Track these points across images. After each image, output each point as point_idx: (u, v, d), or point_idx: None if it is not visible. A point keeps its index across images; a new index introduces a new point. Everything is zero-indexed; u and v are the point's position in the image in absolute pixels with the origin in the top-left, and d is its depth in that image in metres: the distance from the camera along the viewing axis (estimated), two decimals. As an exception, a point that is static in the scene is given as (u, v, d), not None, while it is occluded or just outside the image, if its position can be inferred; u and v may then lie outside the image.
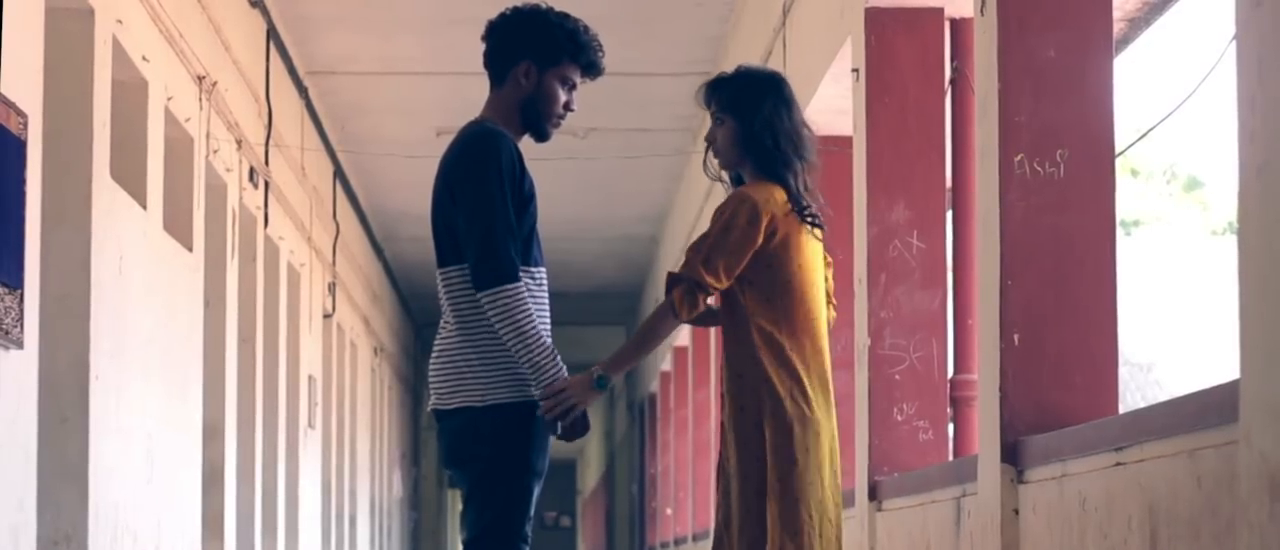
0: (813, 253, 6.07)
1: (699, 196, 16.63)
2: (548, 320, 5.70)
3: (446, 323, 5.67)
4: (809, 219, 6.03)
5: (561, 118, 5.79)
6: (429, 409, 5.75)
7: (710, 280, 5.91)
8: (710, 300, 6.00)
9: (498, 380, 5.57)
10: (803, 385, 5.99)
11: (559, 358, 5.58)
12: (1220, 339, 22.27)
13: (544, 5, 5.80)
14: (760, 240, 5.93)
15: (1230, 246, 26.79)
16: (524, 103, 5.73)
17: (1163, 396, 20.66)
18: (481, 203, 5.54)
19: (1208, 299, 24.54)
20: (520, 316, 5.51)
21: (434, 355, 5.70)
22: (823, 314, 6.08)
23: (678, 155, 17.71)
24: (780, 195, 5.98)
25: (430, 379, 5.71)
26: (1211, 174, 34.66)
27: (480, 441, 5.58)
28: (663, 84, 15.42)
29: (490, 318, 5.53)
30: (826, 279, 6.19)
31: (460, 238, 5.58)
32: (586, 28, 5.80)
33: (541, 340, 5.54)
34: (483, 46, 5.81)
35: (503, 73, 5.75)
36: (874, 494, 8.75)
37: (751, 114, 6.07)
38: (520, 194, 5.61)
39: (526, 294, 5.54)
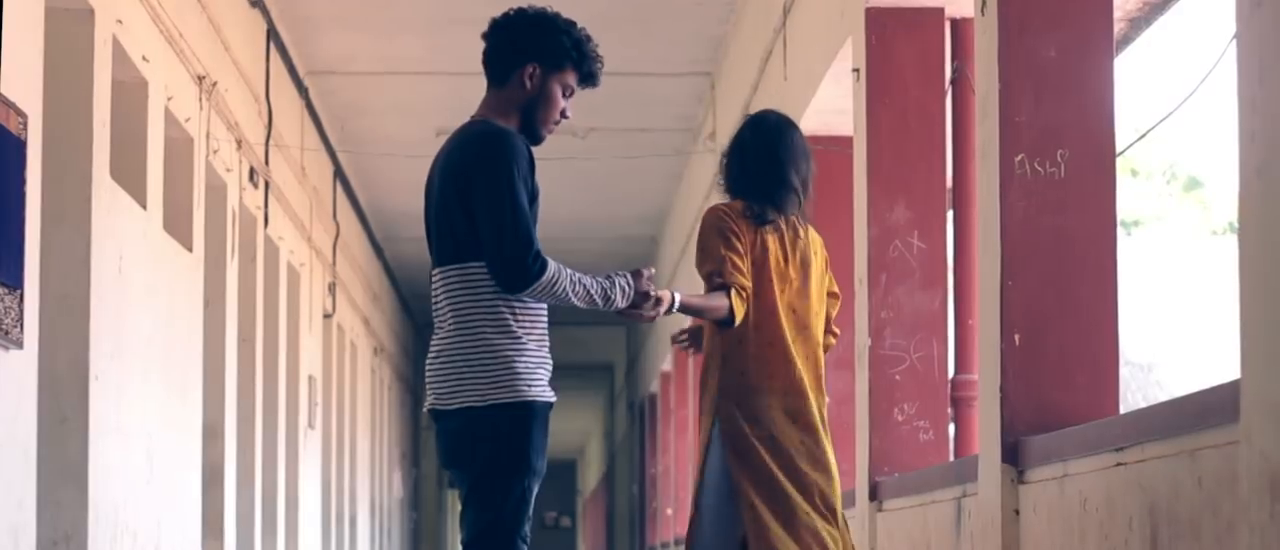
0: (774, 257, 6.30)
1: (699, 196, 16.62)
2: (545, 322, 5.70)
3: (444, 322, 5.64)
4: (759, 219, 6.33)
5: (557, 123, 5.79)
6: (427, 409, 5.73)
7: (730, 270, 6.18)
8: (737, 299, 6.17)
9: (497, 380, 5.56)
10: (756, 398, 6.26)
11: (612, 277, 5.70)
12: (1220, 339, 22.27)
13: (550, 10, 5.79)
14: (737, 235, 6.21)
15: (1230, 246, 26.78)
16: (526, 105, 5.72)
17: (1163, 397, 20.66)
18: (501, 202, 5.53)
19: (1208, 299, 24.53)
20: (567, 291, 5.58)
21: (431, 355, 5.69)
22: (788, 321, 6.28)
23: (678, 155, 17.70)
24: (736, 205, 6.37)
25: (428, 379, 5.70)
26: (1211, 174, 34.60)
27: (479, 441, 5.58)
28: (663, 84, 15.40)
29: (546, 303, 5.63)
30: (829, 308, 6.43)
31: (480, 235, 5.55)
32: (590, 37, 5.80)
33: (596, 287, 5.63)
34: (483, 44, 5.80)
35: (506, 73, 5.74)
36: (874, 494, 8.75)
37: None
38: (528, 194, 5.62)
39: (555, 265, 5.59)
